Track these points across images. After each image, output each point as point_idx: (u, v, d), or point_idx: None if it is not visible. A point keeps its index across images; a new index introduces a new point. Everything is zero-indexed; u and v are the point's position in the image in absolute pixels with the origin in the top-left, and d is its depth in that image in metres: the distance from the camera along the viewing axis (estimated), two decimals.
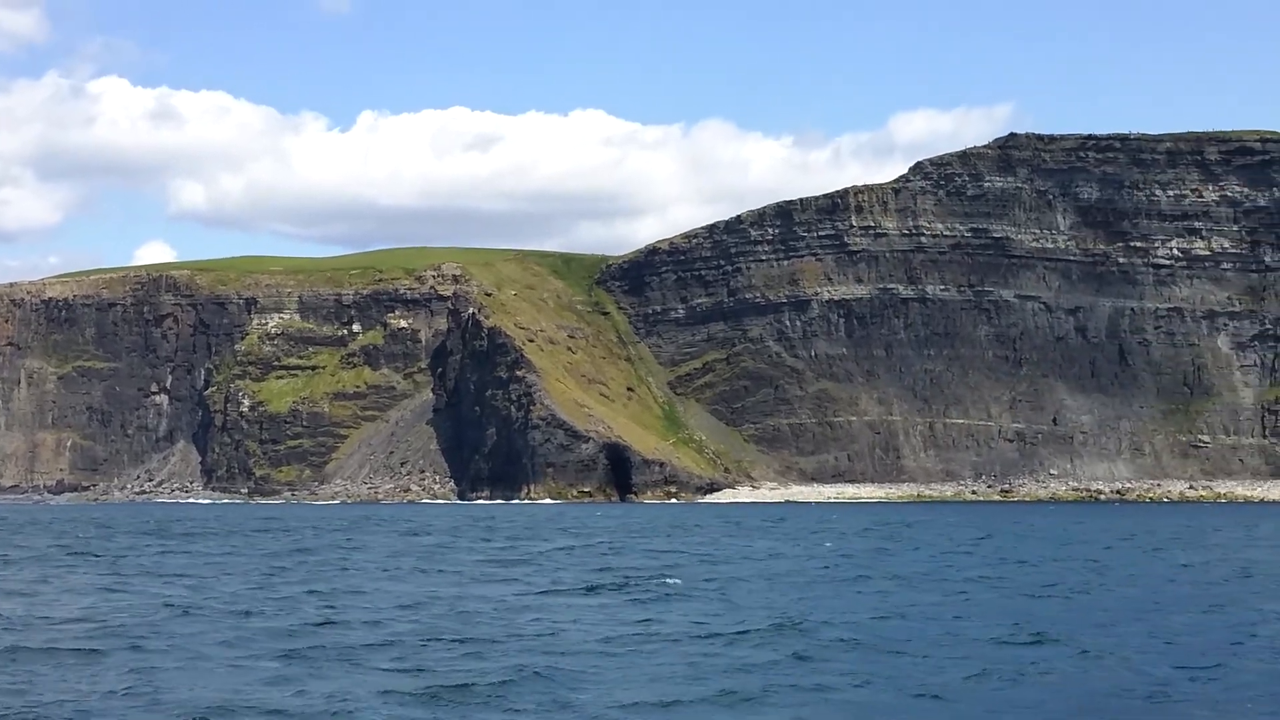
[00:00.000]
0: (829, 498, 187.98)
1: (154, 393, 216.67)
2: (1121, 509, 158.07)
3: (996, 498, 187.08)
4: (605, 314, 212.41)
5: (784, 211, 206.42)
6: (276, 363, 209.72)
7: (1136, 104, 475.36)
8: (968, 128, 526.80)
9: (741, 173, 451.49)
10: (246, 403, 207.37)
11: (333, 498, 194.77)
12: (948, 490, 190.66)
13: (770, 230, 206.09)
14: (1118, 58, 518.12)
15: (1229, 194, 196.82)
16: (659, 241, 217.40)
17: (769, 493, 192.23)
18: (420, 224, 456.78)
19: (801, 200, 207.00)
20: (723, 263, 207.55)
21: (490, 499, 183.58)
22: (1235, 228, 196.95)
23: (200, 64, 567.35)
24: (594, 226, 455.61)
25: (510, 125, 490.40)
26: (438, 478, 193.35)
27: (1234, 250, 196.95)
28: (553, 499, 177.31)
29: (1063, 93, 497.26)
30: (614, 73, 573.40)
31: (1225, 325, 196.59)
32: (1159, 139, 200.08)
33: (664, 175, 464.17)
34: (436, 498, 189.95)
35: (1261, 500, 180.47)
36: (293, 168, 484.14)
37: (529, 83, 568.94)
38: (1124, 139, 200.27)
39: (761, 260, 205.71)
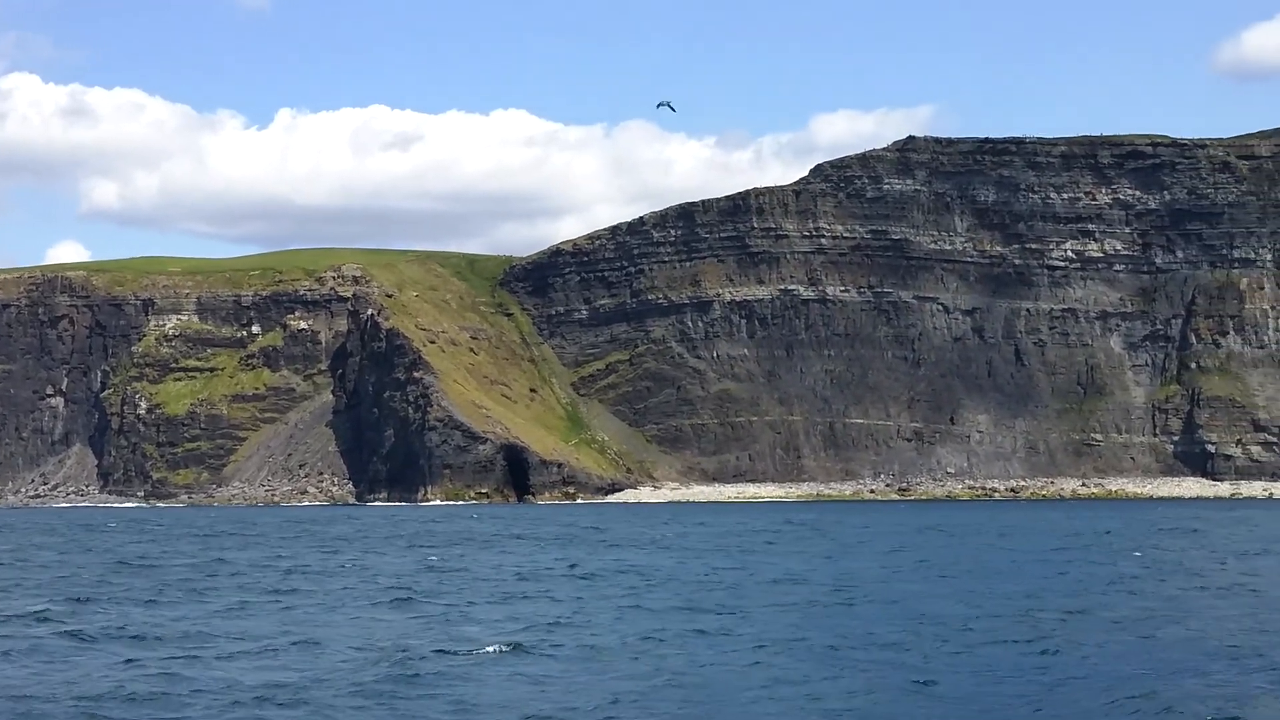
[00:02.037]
0: (730, 498, 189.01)
1: (49, 395, 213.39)
2: (1016, 506, 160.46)
3: (895, 497, 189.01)
4: (509, 315, 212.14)
5: (686, 213, 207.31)
6: (174, 365, 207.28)
7: (1053, 107, 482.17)
8: (888, 129, 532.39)
9: (664, 173, 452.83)
10: (143, 405, 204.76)
11: (229, 500, 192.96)
12: (847, 489, 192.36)
13: (672, 232, 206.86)
14: (1036, 62, 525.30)
15: (1121, 197, 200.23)
16: (563, 243, 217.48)
17: (670, 493, 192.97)
18: (339, 224, 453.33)
19: (703, 202, 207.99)
20: (625, 264, 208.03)
21: (388, 501, 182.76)
22: (1127, 230, 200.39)
23: (115, 61, 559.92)
24: (516, 227, 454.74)
25: (431, 124, 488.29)
26: (336, 480, 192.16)
27: (1126, 252, 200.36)
28: (449, 500, 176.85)
29: (983, 95, 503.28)
30: (536, 72, 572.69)
31: (1118, 326, 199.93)
32: (1054, 143, 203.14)
33: (586, 175, 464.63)
34: (334, 500, 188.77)
35: (1150, 497, 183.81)
36: (208, 166, 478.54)
37: (450, 81, 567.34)
38: (1019, 143, 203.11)
39: (664, 262, 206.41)
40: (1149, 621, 39.56)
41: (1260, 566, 59.29)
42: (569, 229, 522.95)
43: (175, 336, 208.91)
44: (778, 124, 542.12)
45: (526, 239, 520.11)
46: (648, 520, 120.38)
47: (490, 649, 34.01)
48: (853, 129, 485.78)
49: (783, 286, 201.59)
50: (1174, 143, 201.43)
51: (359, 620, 40.87)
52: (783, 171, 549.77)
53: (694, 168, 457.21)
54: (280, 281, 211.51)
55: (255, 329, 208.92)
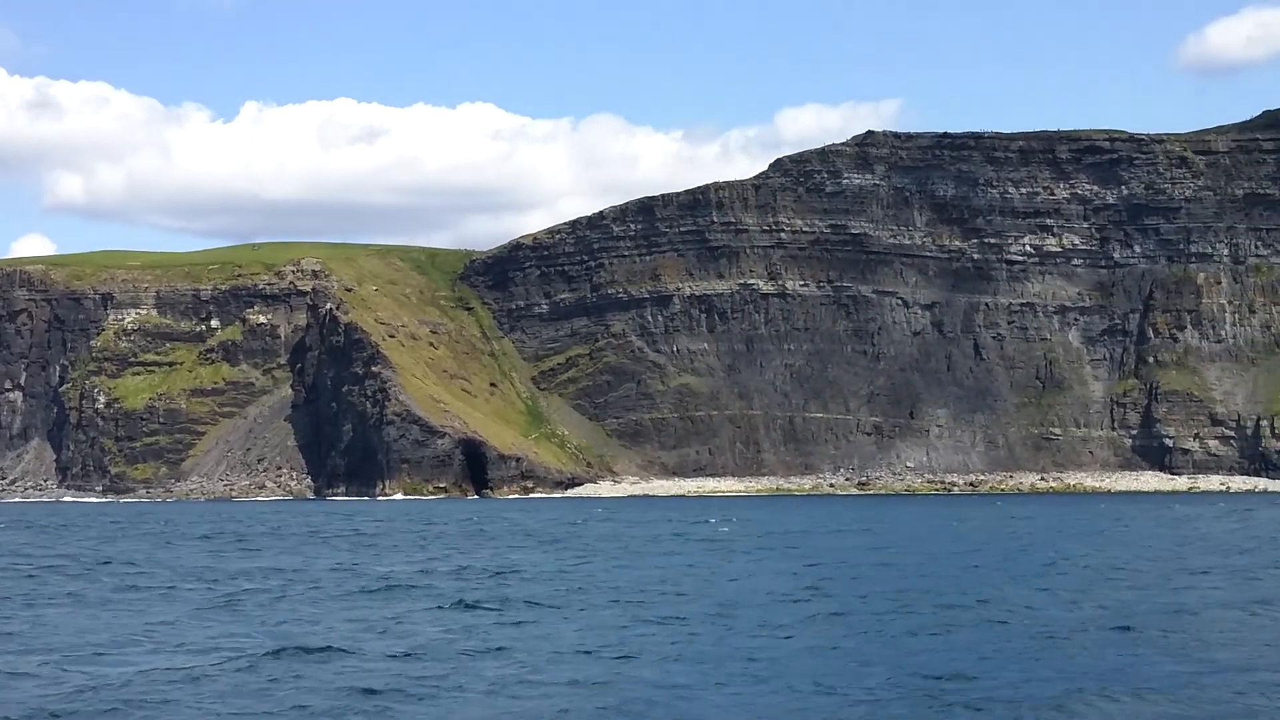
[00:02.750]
0: (689, 492, 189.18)
1: (7, 390, 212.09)
2: (978, 500, 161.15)
3: (854, 491, 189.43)
4: (469, 310, 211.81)
5: (645, 207, 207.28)
6: (133, 359, 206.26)
7: (1021, 102, 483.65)
8: (855, 123, 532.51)
9: (631, 166, 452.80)
10: (102, 399, 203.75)
11: (188, 495, 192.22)
12: (806, 484, 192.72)
13: (632, 226, 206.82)
14: (1003, 56, 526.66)
15: (1079, 192, 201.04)
16: (523, 237, 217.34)
17: (630, 487, 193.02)
18: (305, 217, 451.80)
19: (663, 196, 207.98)
20: (586, 258, 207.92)
21: (347, 495, 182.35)
22: (1085, 225, 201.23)
23: (81, 54, 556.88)
24: (484, 220, 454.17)
25: (397, 118, 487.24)
26: (295, 474, 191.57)
27: (1084, 247, 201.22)
28: (407, 495, 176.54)
29: (949, 90, 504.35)
30: (503, 66, 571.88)
31: (1076, 320, 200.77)
32: (1012, 138, 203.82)
33: (554, 169, 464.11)
34: (293, 494, 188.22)
35: (1109, 491, 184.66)
36: (174, 160, 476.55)
37: (417, 75, 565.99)
38: (978, 137, 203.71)
39: (624, 256, 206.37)
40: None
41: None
42: (536, 223, 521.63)
43: (134, 331, 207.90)
44: (744, 118, 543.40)
45: (494, 233, 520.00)
46: (581, 513, 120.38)
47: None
48: (819, 123, 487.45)
49: (742, 281, 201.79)
50: (1131, 138, 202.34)
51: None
52: (749, 165, 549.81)
53: (661, 161, 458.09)
54: (239, 276, 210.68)
55: (214, 323, 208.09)
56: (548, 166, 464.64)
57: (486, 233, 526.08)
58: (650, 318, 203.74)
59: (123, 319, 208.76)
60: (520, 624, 37.69)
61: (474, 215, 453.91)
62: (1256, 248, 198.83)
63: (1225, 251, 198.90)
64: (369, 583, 50.32)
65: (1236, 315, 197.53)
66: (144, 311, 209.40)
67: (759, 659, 31.32)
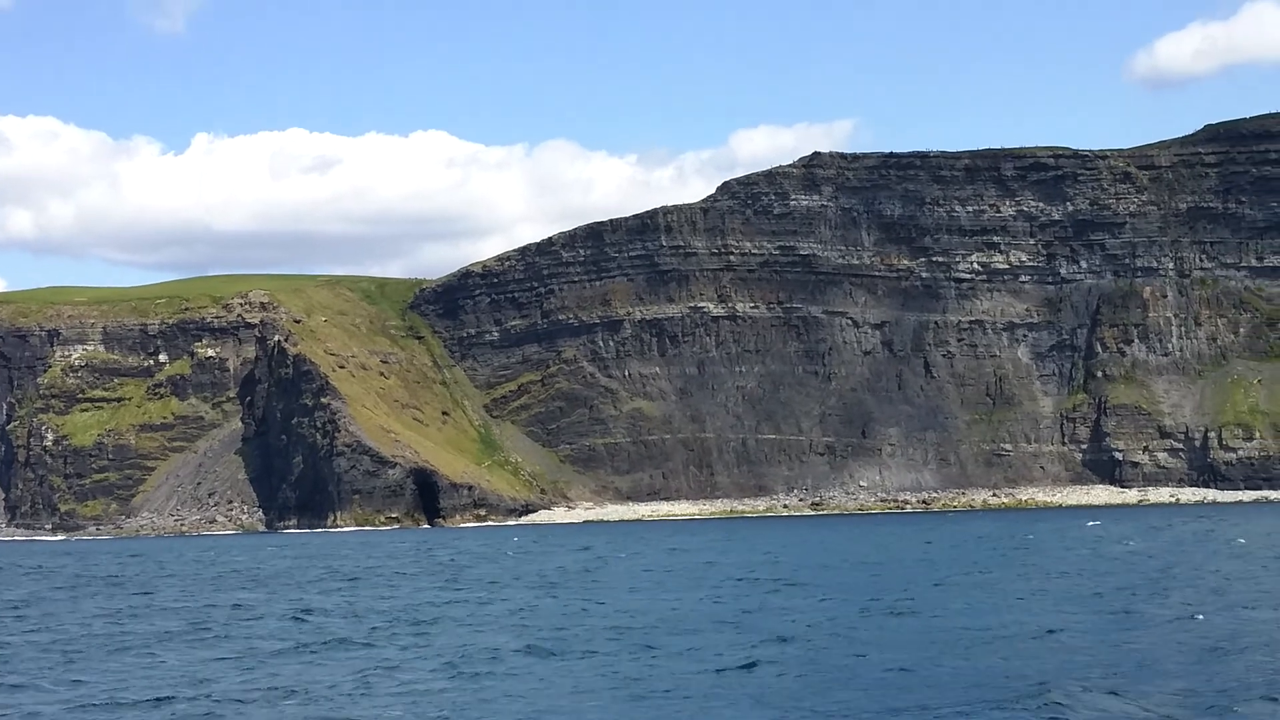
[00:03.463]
0: (644, 516, 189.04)
1: None
2: (922, 519, 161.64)
3: (808, 511, 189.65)
4: (419, 338, 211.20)
5: (595, 233, 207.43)
6: (81, 395, 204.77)
7: (974, 120, 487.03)
8: (808, 144, 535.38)
9: (586, 191, 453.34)
10: (50, 437, 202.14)
11: (138, 531, 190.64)
12: (760, 505, 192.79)
13: (582, 251, 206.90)
14: (957, 75, 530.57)
15: (1025, 209, 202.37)
16: (472, 265, 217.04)
17: (585, 513, 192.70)
18: (258, 248, 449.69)
19: (612, 221, 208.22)
20: (535, 284, 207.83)
21: (298, 528, 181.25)
22: (1031, 241, 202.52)
23: (28, 88, 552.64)
24: (439, 248, 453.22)
25: (350, 147, 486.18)
26: (246, 508, 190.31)
27: (1031, 263, 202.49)
28: (359, 526, 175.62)
29: (903, 109, 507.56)
30: (455, 94, 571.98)
31: (1025, 337, 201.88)
32: (957, 156, 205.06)
33: (509, 196, 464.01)
34: (244, 528, 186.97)
35: (1060, 505, 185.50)
36: (124, 193, 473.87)
37: (368, 104, 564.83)
38: (924, 156, 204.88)
39: (574, 281, 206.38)
40: None
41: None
42: (492, 250, 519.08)
43: (81, 367, 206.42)
44: (699, 140, 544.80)
45: (449, 260, 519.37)
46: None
47: None
48: (773, 144, 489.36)
49: (693, 304, 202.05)
50: (1075, 154, 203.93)
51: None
52: (704, 187, 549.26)
53: (616, 186, 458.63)
54: (187, 309, 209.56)
55: (162, 357, 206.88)
56: (502, 193, 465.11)
57: (442, 260, 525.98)
58: (601, 343, 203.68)
59: (70, 355, 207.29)
60: None
61: (429, 243, 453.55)
62: (1201, 261, 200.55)
63: (1170, 265, 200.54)
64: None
65: (1183, 328, 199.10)
66: (91, 347, 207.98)
67: None
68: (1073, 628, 41.63)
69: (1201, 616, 43.21)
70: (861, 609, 48.71)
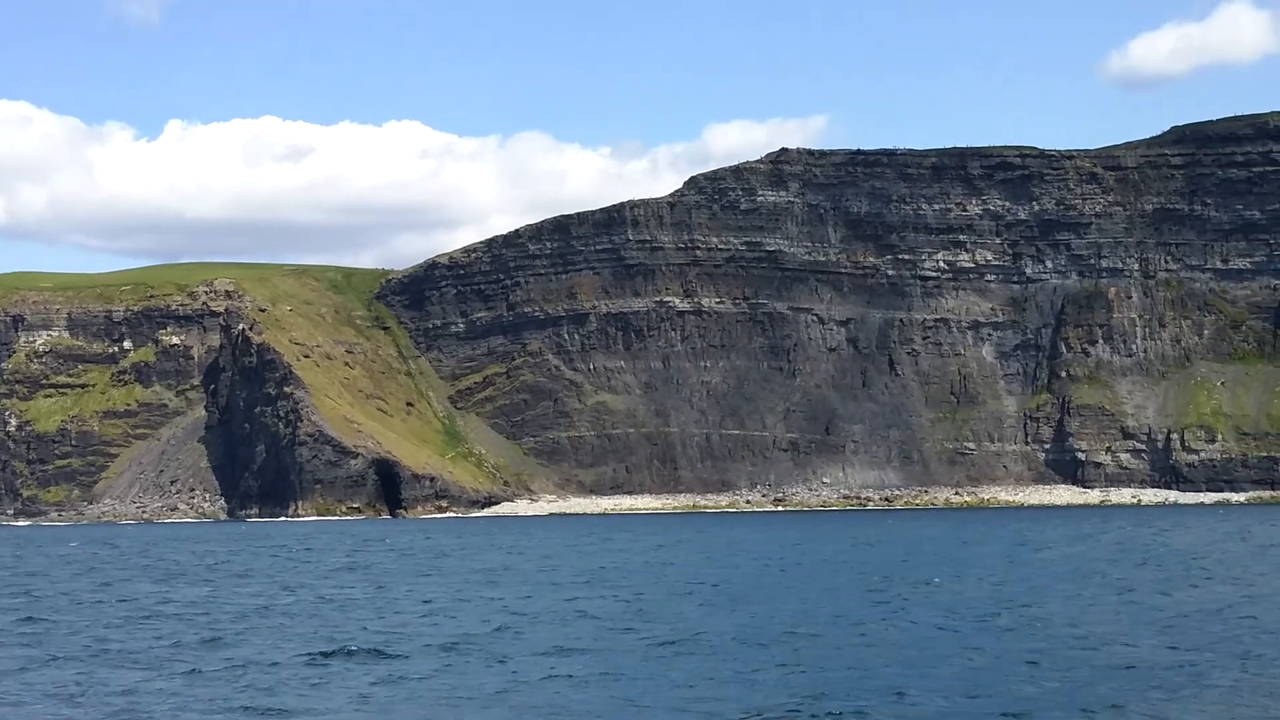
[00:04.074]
0: (607, 510, 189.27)
1: None
2: (877, 517, 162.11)
3: (770, 507, 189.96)
4: (385, 329, 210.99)
5: (561, 226, 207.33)
6: (45, 381, 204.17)
7: (948, 118, 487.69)
8: (781, 139, 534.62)
9: (559, 183, 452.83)
10: (14, 422, 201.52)
11: (100, 518, 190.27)
12: (723, 500, 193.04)
13: (548, 244, 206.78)
14: (932, 73, 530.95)
15: (991, 208, 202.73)
16: (438, 256, 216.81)
17: (548, 505, 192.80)
18: (230, 236, 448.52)
19: (579, 214, 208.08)
20: (501, 277, 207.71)
21: (260, 517, 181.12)
22: (998, 240, 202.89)
23: (1, 73, 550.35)
24: (411, 239, 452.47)
25: (323, 136, 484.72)
26: (208, 496, 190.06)
27: (996, 262, 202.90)
28: (320, 516, 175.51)
29: (877, 106, 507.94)
30: (429, 84, 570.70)
31: (989, 335, 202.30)
32: (924, 154, 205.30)
33: (481, 187, 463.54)
34: (205, 516, 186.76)
35: (1022, 505, 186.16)
36: (97, 179, 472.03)
37: (342, 93, 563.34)
38: (891, 154, 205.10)
39: (540, 274, 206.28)
40: None
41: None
42: (464, 240, 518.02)
43: (46, 353, 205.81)
44: (672, 134, 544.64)
45: (422, 250, 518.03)
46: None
47: None
48: (746, 139, 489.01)
49: (658, 299, 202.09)
50: (1042, 154, 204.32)
51: None
52: (677, 180, 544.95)
53: (588, 178, 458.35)
54: (152, 297, 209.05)
55: (127, 344, 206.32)
56: (475, 184, 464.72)
57: (415, 251, 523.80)
58: (567, 336, 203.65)
59: (34, 341, 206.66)
60: None
61: (402, 233, 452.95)
62: (1166, 262, 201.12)
63: (1135, 266, 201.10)
64: None
65: (1147, 329, 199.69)
66: (55, 333, 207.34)
67: None
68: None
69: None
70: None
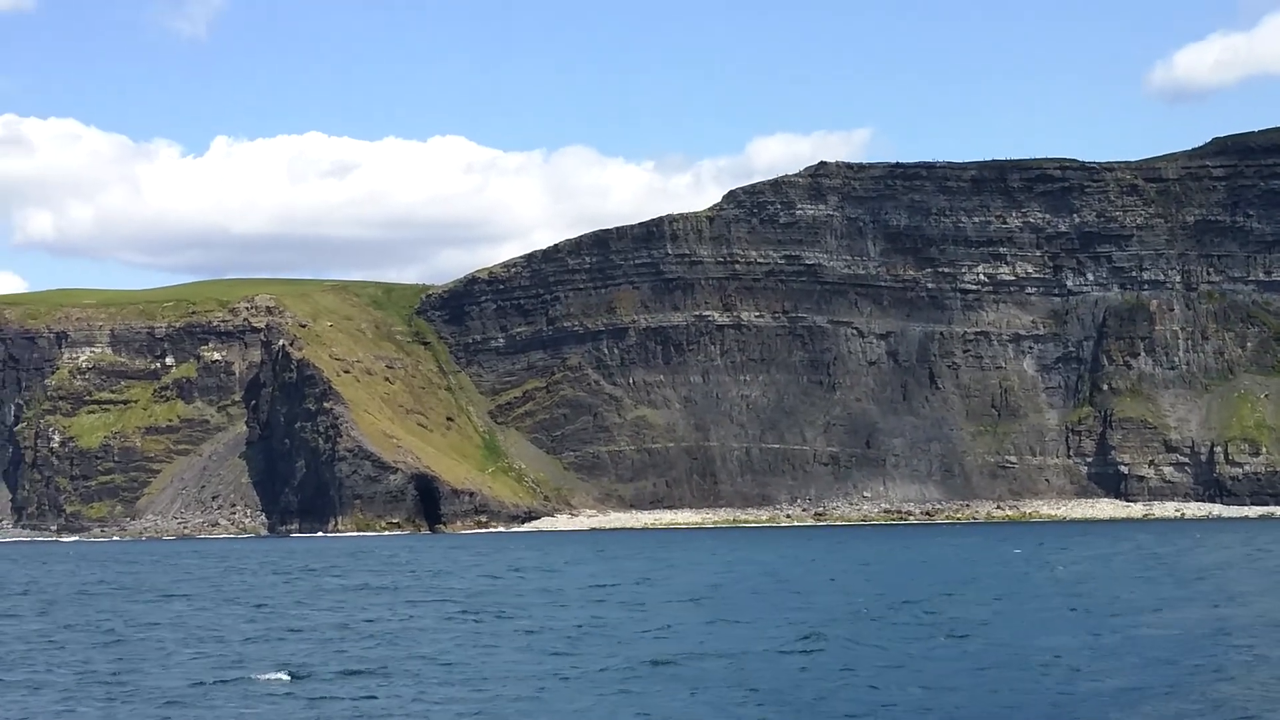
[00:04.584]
0: (647, 524, 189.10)
1: None
2: (914, 532, 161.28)
3: (810, 522, 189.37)
4: (425, 344, 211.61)
5: (600, 240, 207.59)
6: (88, 397, 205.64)
7: (992, 131, 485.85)
8: (825, 152, 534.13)
9: (603, 198, 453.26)
10: (57, 438, 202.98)
11: (142, 534, 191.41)
12: (763, 515, 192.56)
13: (587, 259, 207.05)
14: (976, 86, 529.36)
15: (1031, 220, 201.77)
16: (478, 271, 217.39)
17: (588, 520, 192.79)
18: (276, 251, 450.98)
19: (618, 229, 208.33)
20: (541, 291, 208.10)
21: (300, 532, 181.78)
22: (1038, 253, 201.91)
23: (50, 91, 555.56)
24: (456, 254, 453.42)
25: (368, 151, 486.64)
26: (249, 511, 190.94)
27: (1037, 275, 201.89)
28: (360, 531, 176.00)
29: (921, 119, 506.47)
30: (474, 99, 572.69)
31: (1030, 349, 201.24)
32: (964, 167, 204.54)
33: (526, 202, 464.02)
34: (246, 531, 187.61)
35: (1064, 519, 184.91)
36: (144, 195, 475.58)
37: (387, 108, 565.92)
38: (930, 167, 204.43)
39: (579, 289, 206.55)
40: None
41: None
42: (509, 255, 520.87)
43: (89, 369, 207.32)
44: (716, 148, 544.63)
45: (465, 266, 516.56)
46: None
47: None
48: (790, 152, 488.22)
49: (698, 313, 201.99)
50: (1082, 166, 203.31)
51: None
52: (721, 195, 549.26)
53: (632, 193, 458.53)
54: (194, 313, 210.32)
55: (169, 360, 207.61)
56: (519, 199, 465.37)
57: (459, 266, 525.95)
58: (606, 350, 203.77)
59: (77, 357, 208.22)
60: None
61: (446, 249, 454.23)
62: (1208, 274, 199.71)
63: (1177, 278, 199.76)
64: None
65: (1189, 342, 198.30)
66: (99, 349, 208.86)
67: None
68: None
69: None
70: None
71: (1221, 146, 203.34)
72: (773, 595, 65.69)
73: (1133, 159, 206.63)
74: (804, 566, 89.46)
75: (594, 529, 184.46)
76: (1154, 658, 40.83)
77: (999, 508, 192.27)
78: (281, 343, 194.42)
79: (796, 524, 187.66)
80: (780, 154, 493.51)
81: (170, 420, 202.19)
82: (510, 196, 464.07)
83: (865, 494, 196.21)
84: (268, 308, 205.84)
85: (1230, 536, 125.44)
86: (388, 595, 69.86)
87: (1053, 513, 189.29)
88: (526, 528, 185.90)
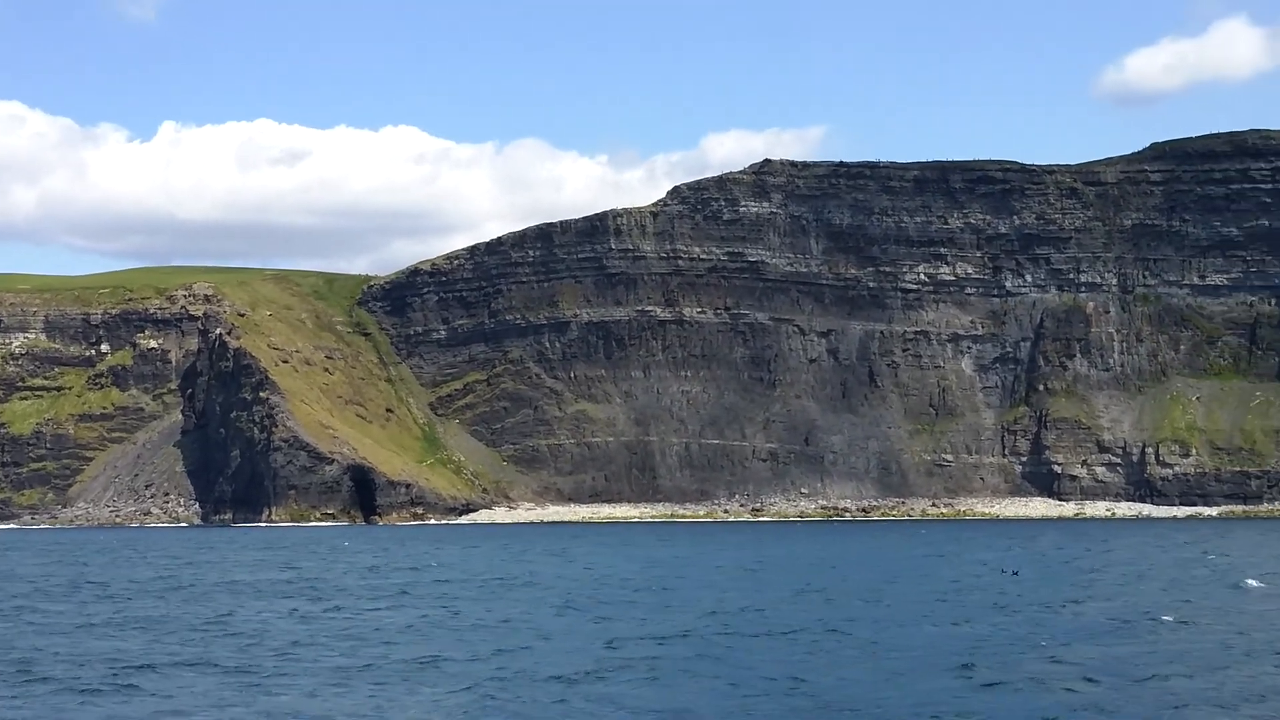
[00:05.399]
0: (585, 518, 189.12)
1: None
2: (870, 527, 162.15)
3: (747, 517, 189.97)
4: (366, 335, 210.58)
5: (544, 234, 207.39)
6: (21, 383, 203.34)
7: (944, 131, 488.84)
8: (778, 149, 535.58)
9: (556, 191, 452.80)
10: None
11: (72, 522, 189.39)
12: (701, 510, 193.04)
13: (531, 252, 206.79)
14: (930, 86, 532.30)
15: (972, 221, 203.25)
16: (420, 262, 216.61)
17: (526, 513, 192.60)
18: (223, 239, 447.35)
19: (561, 223, 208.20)
20: (484, 284, 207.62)
21: (234, 522, 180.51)
22: (978, 254, 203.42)
23: None
24: (407, 244, 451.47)
25: (319, 139, 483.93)
26: (182, 501, 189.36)
27: (977, 276, 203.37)
28: (294, 521, 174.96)
29: (875, 118, 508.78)
30: (427, 89, 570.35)
31: (969, 348, 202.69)
32: (907, 167, 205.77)
33: (477, 193, 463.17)
34: (179, 521, 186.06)
35: (998, 517, 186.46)
36: (89, 180, 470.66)
37: (340, 97, 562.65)
38: (874, 167, 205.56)
39: (522, 282, 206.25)
40: None
41: None
42: (460, 247, 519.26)
43: (22, 355, 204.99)
44: (670, 143, 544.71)
45: (415, 257, 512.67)
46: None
47: None
48: (744, 148, 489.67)
49: (640, 308, 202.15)
50: (1023, 168, 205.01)
51: None
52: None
53: (585, 186, 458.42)
54: (130, 300, 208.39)
55: (104, 348, 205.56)
56: (471, 190, 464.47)
57: (408, 256, 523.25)
58: (548, 344, 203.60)
59: (11, 343, 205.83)
60: None
61: (397, 239, 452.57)
62: (1144, 278, 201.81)
63: (1114, 281, 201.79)
64: None
65: (1124, 344, 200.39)
66: (32, 335, 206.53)
67: None
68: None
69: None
70: None
71: (1160, 152, 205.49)
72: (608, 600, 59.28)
73: (1078, 162, 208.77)
74: (675, 568, 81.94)
75: (532, 522, 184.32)
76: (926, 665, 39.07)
77: (934, 505, 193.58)
78: (218, 331, 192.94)
79: (734, 520, 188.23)
80: (734, 150, 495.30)
81: (105, 408, 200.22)
82: (462, 188, 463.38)
83: (803, 491, 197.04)
84: (206, 296, 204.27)
85: (1131, 539, 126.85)
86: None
87: (987, 511, 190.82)
88: (463, 520, 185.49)
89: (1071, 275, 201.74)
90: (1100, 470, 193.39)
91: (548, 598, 59.30)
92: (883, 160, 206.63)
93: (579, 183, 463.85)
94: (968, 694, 32.99)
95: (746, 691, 33.36)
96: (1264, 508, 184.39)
